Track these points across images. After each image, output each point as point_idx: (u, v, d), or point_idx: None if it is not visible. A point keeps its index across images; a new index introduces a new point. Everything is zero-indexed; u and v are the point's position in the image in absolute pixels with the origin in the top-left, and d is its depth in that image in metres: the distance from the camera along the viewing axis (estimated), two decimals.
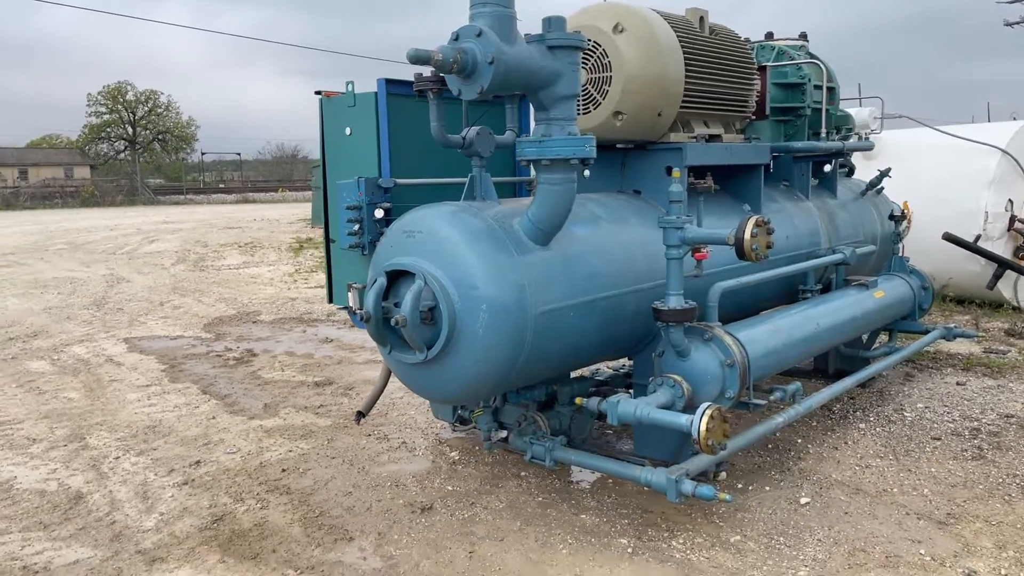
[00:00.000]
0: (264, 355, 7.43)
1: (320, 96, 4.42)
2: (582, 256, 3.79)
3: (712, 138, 4.72)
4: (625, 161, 4.60)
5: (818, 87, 5.85)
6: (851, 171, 7.09)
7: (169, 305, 10.46)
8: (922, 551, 3.50)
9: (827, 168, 6.16)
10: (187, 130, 66.72)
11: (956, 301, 8.91)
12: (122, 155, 64.03)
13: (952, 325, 6.37)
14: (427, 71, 3.44)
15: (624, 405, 3.55)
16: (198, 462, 4.74)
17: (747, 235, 3.52)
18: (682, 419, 3.36)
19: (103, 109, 63.98)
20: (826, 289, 5.56)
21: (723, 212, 4.95)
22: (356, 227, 4.06)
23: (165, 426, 5.42)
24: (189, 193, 50.40)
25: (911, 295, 5.86)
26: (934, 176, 9.03)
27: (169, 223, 25.88)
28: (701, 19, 4.59)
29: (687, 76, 4.28)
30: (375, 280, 3.57)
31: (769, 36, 6.01)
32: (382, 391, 4.50)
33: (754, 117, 5.22)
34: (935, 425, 5.07)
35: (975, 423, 5.07)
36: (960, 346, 7.06)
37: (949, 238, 8.18)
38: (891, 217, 6.00)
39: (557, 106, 3.39)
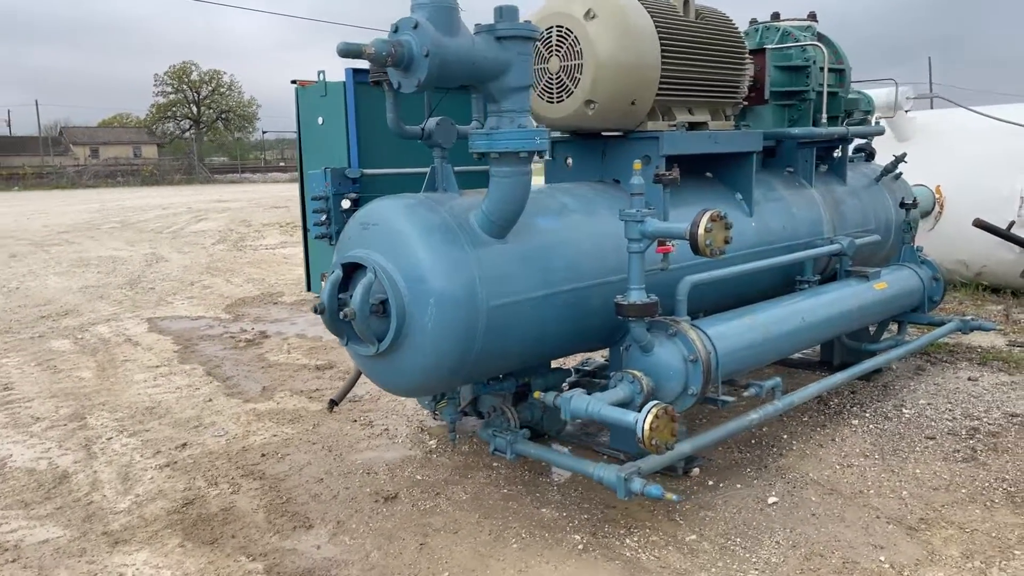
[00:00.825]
0: (275, 337, 7.57)
1: (296, 85, 4.44)
2: (543, 248, 3.73)
3: (697, 125, 4.59)
4: (605, 150, 4.50)
5: (827, 70, 5.64)
6: (871, 156, 6.83)
7: (199, 285, 10.73)
8: (882, 558, 3.38)
9: (836, 154, 5.95)
10: (248, 109, 68.07)
11: (991, 290, 8.55)
12: (187, 134, 65.82)
13: (969, 317, 6.12)
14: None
15: (577, 401, 3.50)
16: (184, 444, 4.86)
17: (701, 230, 3.42)
18: (629, 417, 3.30)
19: (169, 89, 65.78)
20: (831, 279, 5.39)
21: (714, 201, 4.83)
22: (323, 217, 4.08)
23: (163, 407, 5.57)
24: (246, 172, 51.47)
25: (920, 287, 5.63)
26: (969, 159, 8.66)
27: (221, 202, 26.47)
28: (685, 3, 4.45)
29: (664, 62, 4.16)
30: (332, 272, 3.59)
31: (775, 17, 5.80)
32: (356, 381, 4.53)
33: (746, 103, 5.05)
34: (932, 423, 4.88)
35: (976, 422, 4.87)
36: (983, 338, 6.78)
37: (980, 224, 7.81)
38: (902, 205, 5.75)
39: (507, 98, 3.33)
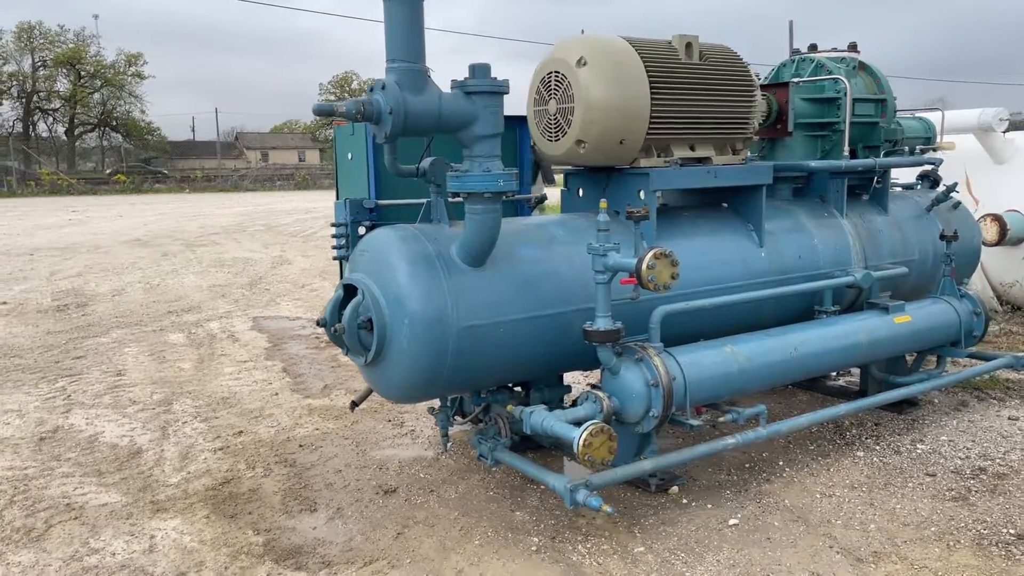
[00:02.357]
0: None
1: (335, 125, 5.06)
2: (520, 276, 4.12)
3: (700, 161, 4.82)
4: (608, 183, 4.83)
5: (865, 100, 5.67)
6: (935, 183, 6.71)
7: (308, 288, 11.76)
8: None
9: (877, 184, 5.93)
10: None
11: None
12: None
13: (1023, 354, 5.91)
14: None
15: (535, 416, 3.88)
16: (241, 432, 5.61)
17: (644, 267, 3.71)
18: (571, 433, 3.64)
19: (332, 97, 70.14)
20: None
21: (724, 231, 5.04)
22: (344, 242, 4.67)
23: (236, 398, 6.38)
24: None
25: (956, 321, 5.52)
26: None
27: None
28: (688, 45, 4.69)
29: (655, 103, 4.43)
30: (336, 291, 4.16)
31: (812, 48, 5.88)
32: None
33: (769, 136, 5.19)
34: (942, 460, 4.84)
35: (988, 462, 4.79)
36: None
37: None
38: (942, 237, 5.66)
39: (476, 145, 3.77)
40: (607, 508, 3.60)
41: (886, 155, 5.91)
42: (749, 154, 5.93)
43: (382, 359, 3.97)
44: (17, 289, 11.94)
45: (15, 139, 53.49)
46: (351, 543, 3.99)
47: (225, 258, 15.27)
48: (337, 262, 4.98)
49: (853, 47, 5.88)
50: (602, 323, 3.99)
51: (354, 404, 5.00)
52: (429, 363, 3.88)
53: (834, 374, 6.55)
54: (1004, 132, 8.68)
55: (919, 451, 5.00)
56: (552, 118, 4.55)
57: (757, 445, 5.14)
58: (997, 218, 8.19)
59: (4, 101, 56.54)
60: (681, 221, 4.97)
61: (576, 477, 3.80)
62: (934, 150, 8.32)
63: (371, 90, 3.59)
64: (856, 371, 6.18)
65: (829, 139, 5.60)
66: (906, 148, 6.17)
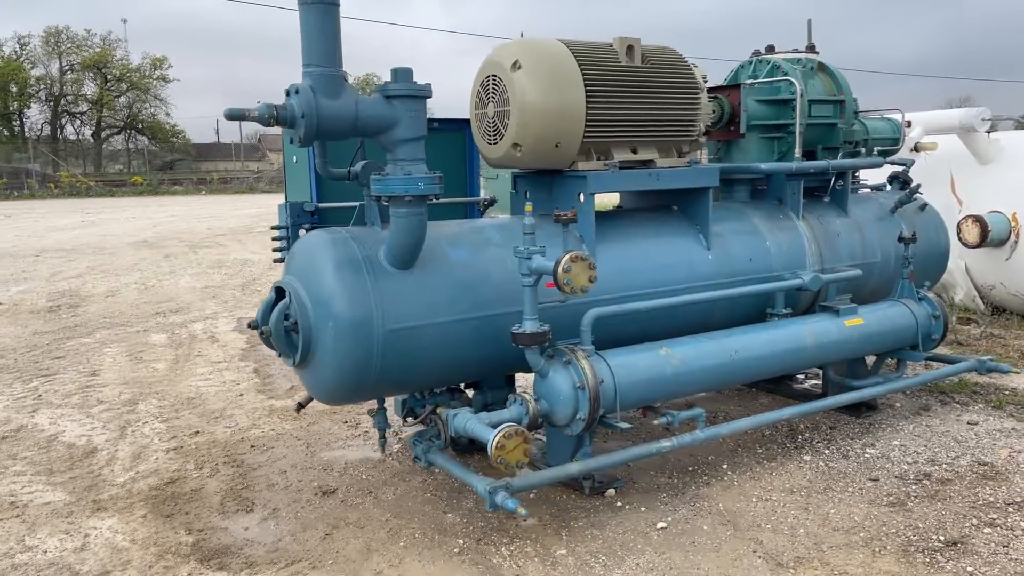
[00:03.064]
0: None
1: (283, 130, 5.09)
2: (450, 279, 4.14)
3: (645, 163, 4.81)
4: (552, 185, 4.83)
5: (823, 102, 5.63)
6: (905, 185, 6.63)
7: None
8: None
9: (838, 186, 5.89)
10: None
11: None
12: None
13: (988, 358, 5.83)
14: None
15: (459, 418, 3.90)
16: (198, 432, 5.67)
17: (559, 270, 3.71)
18: (487, 435, 3.65)
19: None
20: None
21: (674, 235, 5.03)
22: (284, 244, 4.71)
23: (201, 399, 6.45)
24: None
25: (913, 324, 5.46)
26: None
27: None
28: (629, 47, 4.68)
29: (591, 106, 4.42)
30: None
31: (770, 49, 5.84)
32: None
33: (705, 138, 5.17)
34: (888, 465, 4.80)
35: (935, 468, 4.74)
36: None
37: None
38: (900, 239, 5.59)
39: (397, 148, 3.79)
40: (522, 511, 3.61)
41: (846, 156, 5.87)
42: (707, 156, 5.96)
43: (310, 361, 4.01)
44: (15, 290, 12.14)
45: (43, 142, 54.36)
46: (279, 544, 4.03)
47: (226, 260, 15.41)
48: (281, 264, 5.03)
49: (812, 48, 5.84)
50: (529, 325, 3.99)
51: (300, 406, 5.03)
52: (355, 365, 3.90)
53: (800, 377, 6.51)
54: (988, 132, 8.57)
55: (867, 455, 4.96)
56: (490, 121, 4.56)
57: (704, 448, 5.13)
58: (978, 219, 8.10)
59: (32, 104, 57.50)
60: (626, 224, 4.97)
61: (497, 480, 3.80)
62: (916, 149, 8.23)
63: (287, 94, 3.62)
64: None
65: (785, 141, 5.56)
66: (876, 150, 6.13)
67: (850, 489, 4.49)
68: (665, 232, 5.02)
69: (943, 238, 6.44)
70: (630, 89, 4.60)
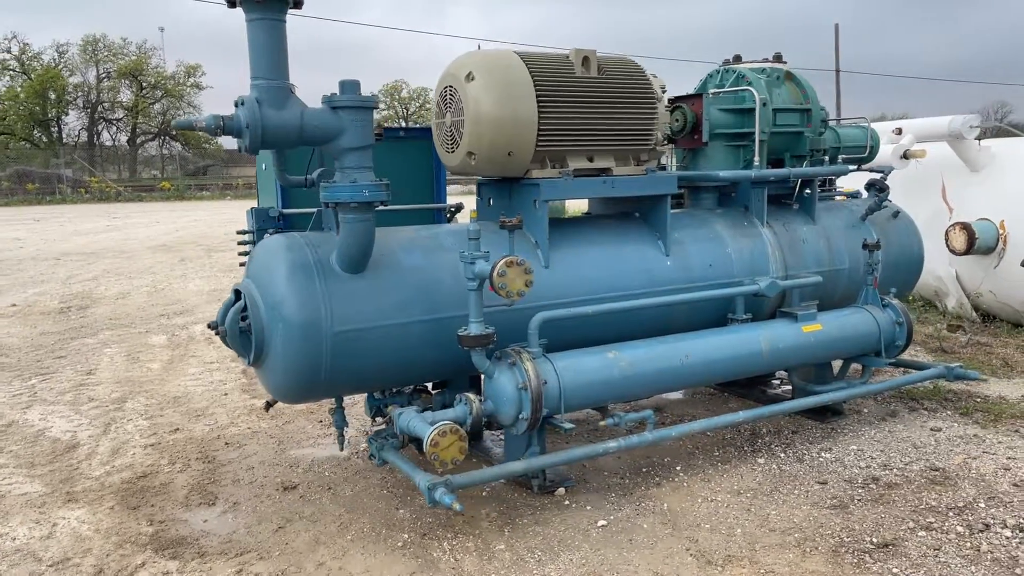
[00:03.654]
0: None
1: None
2: (401, 282, 4.29)
3: (603, 171, 4.92)
4: (511, 192, 4.97)
5: (788, 110, 5.71)
6: (881, 191, 6.65)
7: None
8: None
9: (807, 193, 5.96)
10: None
11: None
12: None
13: (956, 365, 5.86)
14: None
15: (403, 417, 4.05)
16: (177, 429, 5.88)
17: (494, 274, 3.85)
18: (424, 433, 3.79)
19: (383, 105, 71.27)
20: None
21: (633, 241, 5.14)
22: (249, 248, 4.90)
23: (187, 397, 6.67)
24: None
25: (875, 331, 5.51)
26: None
27: None
28: (585, 59, 4.81)
29: (544, 116, 4.55)
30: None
31: (737, 59, 5.94)
32: None
33: (667, 146, 5.27)
34: (840, 469, 4.86)
35: (885, 472, 4.79)
36: (1005, 388, 6.40)
37: None
38: (864, 246, 5.64)
39: (343, 157, 3.96)
40: (457, 506, 3.75)
41: (814, 165, 5.94)
42: (674, 164, 6.06)
43: (264, 361, 4.18)
44: (31, 292, 12.53)
45: (81, 148, 55.60)
46: (232, 536, 4.21)
47: (238, 264, 15.71)
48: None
49: (778, 58, 5.92)
50: (474, 328, 4.13)
51: (268, 404, 5.21)
52: (305, 366, 4.07)
53: (775, 381, 6.56)
54: (977, 140, 8.55)
55: (822, 459, 5.02)
56: (448, 130, 4.72)
57: (661, 450, 5.23)
58: (965, 227, 8.09)
59: (70, 111, 58.88)
60: (584, 230, 5.09)
61: (436, 477, 3.94)
62: (906, 156, 8.25)
63: (236, 105, 3.80)
64: None
65: (749, 149, 5.63)
66: (841, 158, 6.19)
67: (796, 491, 4.57)
68: (623, 238, 5.13)
69: (916, 245, 6.47)
70: (585, 99, 4.73)
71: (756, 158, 5.44)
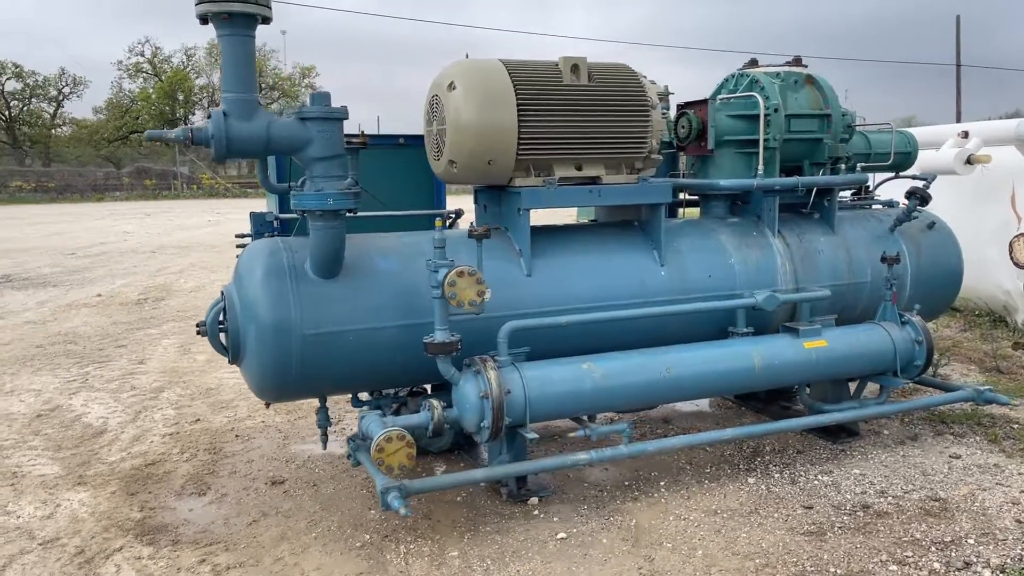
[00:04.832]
0: None
1: None
2: (373, 287, 4.39)
3: (594, 180, 4.87)
4: (500, 199, 4.99)
5: (804, 116, 5.48)
6: (924, 201, 6.28)
7: None
8: None
9: (826, 203, 5.70)
10: None
11: None
12: None
13: (987, 387, 5.49)
14: None
15: (365, 419, 4.15)
16: (198, 420, 6.20)
17: (445, 284, 3.88)
18: (375, 437, 3.87)
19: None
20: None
21: (626, 250, 5.07)
22: None
23: (218, 390, 7.01)
24: None
25: (890, 349, 5.22)
26: None
27: None
28: (574, 66, 4.77)
29: (524, 124, 4.53)
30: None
31: (752, 63, 5.74)
32: None
33: (656, 156, 5.13)
34: (833, 494, 4.64)
35: (880, 499, 4.55)
36: None
37: None
38: (882, 259, 5.35)
39: (312, 166, 4.09)
40: (403, 511, 3.81)
41: (837, 172, 5.68)
42: (683, 172, 5.92)
43: (241, 360, 4.37)
44: (118, 283, 13.40)
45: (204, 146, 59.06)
46: (210, 526, 4.41)
47: None
48: None
49: (798, 61, 5.69)
50: (439, 335, 4.19)
51: (268, 402, 5.43)
52: (276, 366, 4.23)
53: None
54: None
55: (817, 482, 4.81)
56: (434, 139, 4.78)
57: (652, 464, 5.14)
58: None
59: (196, 111, 62.40)
60: (573, 238, 5.05)
61: (390, 481, 4.01)
62: (970, 162, 7.80)
63: (207, 118, 3.99)
64: None
65: (760, 156, 5.45)
66: (859, 165, 5.88)
67: (776, 515, 4.40)
68: (615, 247, 5.06)
69: (954, 258, 6.08)
70: (571, 107, 4.68)
71: (760, 166, 5.25)
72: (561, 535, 4.19)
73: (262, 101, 3.93)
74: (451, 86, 4.57)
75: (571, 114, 4.69)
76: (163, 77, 58.05)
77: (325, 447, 5.10)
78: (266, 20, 3.96)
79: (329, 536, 4.25)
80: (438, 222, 4.20)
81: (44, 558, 4.08)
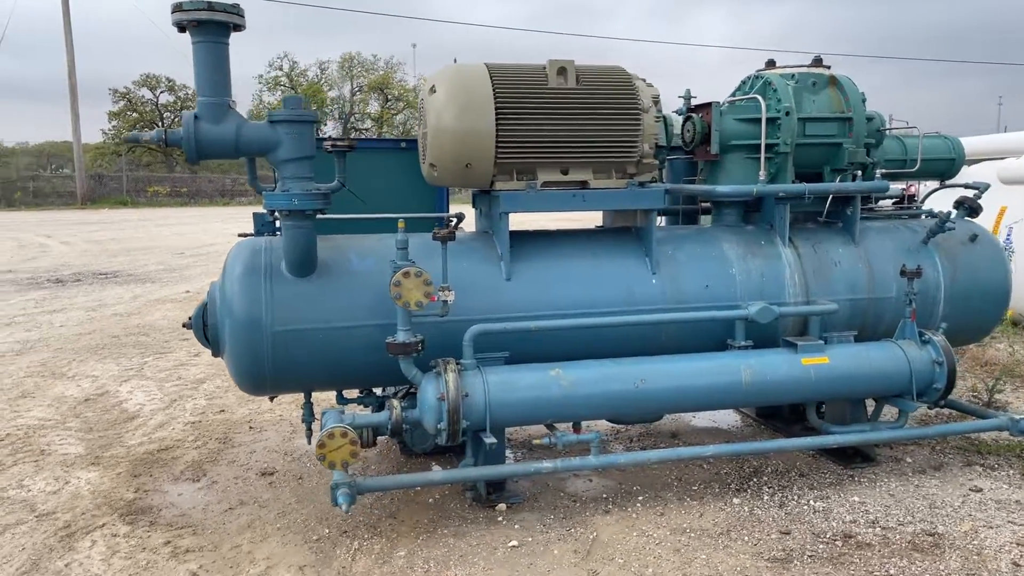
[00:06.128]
0: None
1: None
2: (350, 287, 4.48)
3: (583, 184, 4.79)
4: (489, 203, 4.99)
5: (821, 119, 5.20)
6: (972, 212, 5.82)
7: None
8: None
9: (849, 211, 5.37)
10: None
11: None
12: None
13: (1022, 417, 5.01)
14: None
15: (325, 416, 4.24)
16: (223, 411, 6.50)
17: (391, 285, 3.91)
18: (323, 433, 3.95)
19: (673, 113, 71.88)
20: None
21: (616, 256, 4.98)
22: None
23: None
24: None
25: (905, 369, 4.84)
26: None
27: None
28: (561, 69, 4.71)
29: (502, 128, 4.51)
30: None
31: (770, 64, 5.48)
32: None
33: (650, 161, 4.96)
34: (819, 521, 4.36)
35: (868, 530, 4.23)
36: None
37: None
38: (902, 273, 4.97)
39: (281, 168, 4.23)
40: (344, 508, 3.87)
41: (867, 178, 5.35)
42: (699, 177, 5.72)
43: (221, 353, 4.56)
44: (207, 281, 14.19)
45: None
46: (189, 511, 4.62)
47: None
48: None
49: (818, 61, 5.38)
50: (401, 336, 4.23)
51: (271, 396, 5.62)
52: (249, 361, 4.39)
53: None
54: None
55: (806, 507, 4.53)
56: (422, 142, 4.84)
57: (640, 477, 4.99)
58: None
59: (328, 122, 65.43)
60: (559, 243, 4.98)
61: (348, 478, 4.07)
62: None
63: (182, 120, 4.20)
64: None
65: (773, 161, 5.19)
66: (879, 172, 5.50)
67: (748, 538, 4.17)
68: (606, 253, 4.95)
69: (999, 275, 5.57)
70: (555, 111, 4.63)
71: (762, 172, 5.00)
72: (513, 543, 4.13)
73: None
74: (432, 90, 4.62)
75: (555, 118, 4.63)
76: (298, 90, 61.08)
77: (310, 442, 5.22)
78: (238, 27, 4.12)
79: (292, 528, 4.37)
80: (401, 224, 4.24)
81: (34, 529, 4.39)
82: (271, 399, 5.63)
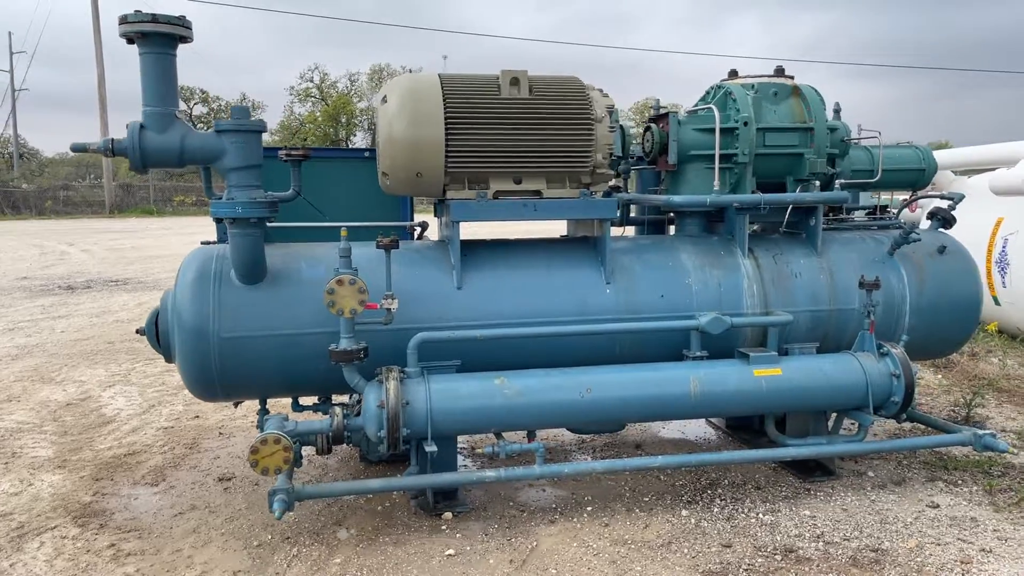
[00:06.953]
0: None
1: None
2: (299, 295, 4.52)
3: (536, 193, 4.80)
4: (443, 211, 5.01)
5: (780, 130, 5.16)
6: (946, 223, 5.75)
7: None
8: None
9: (812, 220, 5.32)
10: None
11: None
12: None
13: (988, 432, 4.92)
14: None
15: (267, 422, 4.28)
16: (197, 416, 6.58)
17: (325, 292, 3.95)
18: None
19: (631, 123, 71.64)
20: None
21: (570, 266, 4.98)
22: None
23: None
24: None
25: (862, 382, 4.78)
26: None
27: None
28: (514, 80, 4.73)
29: (452, 138, 4.55)
30: None
31: (733, 74, 5.46)
32: None
33: (605, 171, 4.94)
34: (764, 535, 4.31)
35: (810, 544, 4.17)
36: None
37: None
38: (860, 284, 4.90)
39: (227, 176, 4.29)
40: (277, 514, 3.89)
41: (838, 188, 5.31)
42: (660, 187, 5.70)
43: (174, 359, 4.62)
44: None
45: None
46: (140, 515, 4.68)
47: None
48: None
49: (780, 71, 5.35)
50: (344, 343, 4.27)
51: (236, 402, 5.68)
52: (197, 367, 4.44)
53: None
54: None
55: (755, 520, 4.48)
56: (378, 151, 4.88)
57: (590, 488, 4.97)
58: None
59: (357, 133, 66.12)
60: (514, 253, 4.99)
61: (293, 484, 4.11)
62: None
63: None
64: None
65: (732, 171, 5.16)
66: (840, 183, 5.44)
67: (688, 551, 4.13)
68: (560, 263, 4.95)
69: (970, 287, 5.48)
70: (507, 120, 4.65)
71: (716, 182, 4.98)
72: (450, 552, 4.13)
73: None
74: (384, 100, 4.67)
75: (506, 127, 4.65)
76: (328, 101, 61.82)
77: None
78: (184, 39, 4.20)
79: (236, 533, 4.41)
80: (343, 231, 4.27)
81: None
82: (235, 405, 5.68)
